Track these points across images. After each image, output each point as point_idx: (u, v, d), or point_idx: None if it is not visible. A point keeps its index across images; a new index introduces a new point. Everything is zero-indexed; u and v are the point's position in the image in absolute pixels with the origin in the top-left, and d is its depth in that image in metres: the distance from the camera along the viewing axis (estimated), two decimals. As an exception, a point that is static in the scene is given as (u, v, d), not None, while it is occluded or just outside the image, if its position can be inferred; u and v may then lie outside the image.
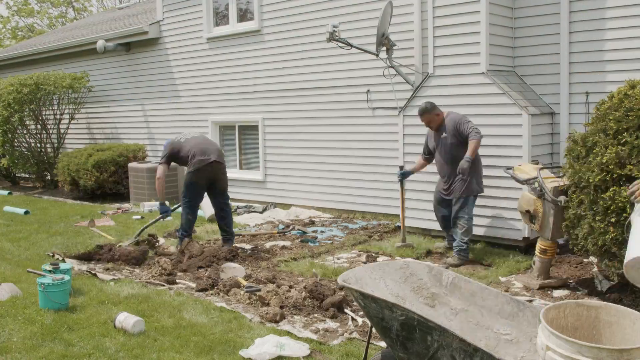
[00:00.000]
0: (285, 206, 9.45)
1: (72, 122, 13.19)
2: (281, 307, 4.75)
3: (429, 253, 6.45)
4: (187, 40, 10.94)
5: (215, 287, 5.33)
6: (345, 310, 4.73)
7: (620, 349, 2.34)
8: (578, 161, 4.84)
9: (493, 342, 3.21)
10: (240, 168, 10.53)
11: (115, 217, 9.13)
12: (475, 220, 6.65)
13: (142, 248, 6.60)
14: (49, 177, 13.24)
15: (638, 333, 2.61)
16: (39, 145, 12.94)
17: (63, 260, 6.23)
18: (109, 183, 11.02)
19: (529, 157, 6.22)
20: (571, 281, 5.40)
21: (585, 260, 5.91)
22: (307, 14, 9.01)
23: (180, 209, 6.89)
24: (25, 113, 12.33)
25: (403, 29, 7.86)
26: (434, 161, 6.45)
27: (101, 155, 10.98)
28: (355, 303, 4.85)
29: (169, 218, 7.57)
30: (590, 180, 4.54)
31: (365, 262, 6.08)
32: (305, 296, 4.88)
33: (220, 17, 10.53)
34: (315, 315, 4.65)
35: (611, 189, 4.36)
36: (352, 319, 4.57)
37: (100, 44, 11.79)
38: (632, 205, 3.87)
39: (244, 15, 10.16)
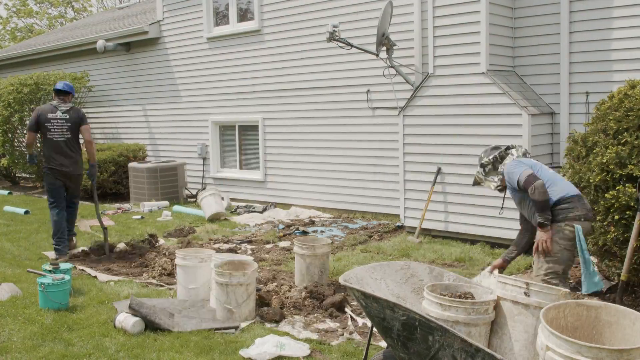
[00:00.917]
0: (286, 206, 9.45)
1: (72, 122, 13.18)
2: (281, 307, 4.76)
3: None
4: (187, 40, 10.94)
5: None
6: (346, 310, 4.74)
7: (620, 349, 2.33)
8: (578, 161, 4.84)
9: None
10: (240, 168, 10.53)
11: (115, 217, 9.12)
12: (475, 220, 6.66)
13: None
14: (49, 177, 13.22)
15: (638, 333, 2.61)
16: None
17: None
18: (109, 183, 11.03)
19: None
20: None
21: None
22: (307, 14, 9.02)
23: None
24: (26, 113, 12.32)
25: (403, 29, 7.87)
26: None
27: (101, 155, 10.97)
28: (355, 303, 4.85)
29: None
30: (591, 180, 4.54)
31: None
32: (305, 296, 4.88)
33: (221, 17, 10.53)
34: (315, 315, 4.65)
35: (616, 188, 4.36)
36: (352, 318, 4.57)
37: (100, 43, 11.79)
38: None
39: (244, 15, 10.16)
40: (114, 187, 11.17)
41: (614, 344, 2.69)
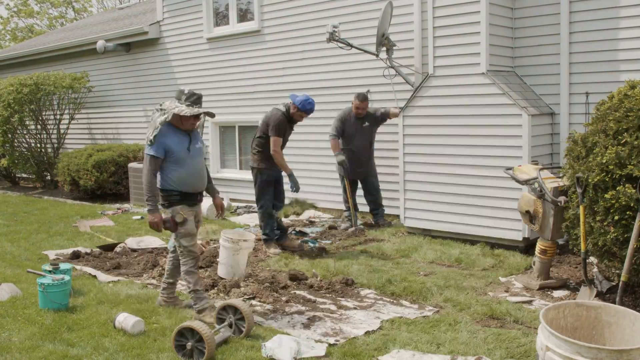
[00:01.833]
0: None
1: (72, 122, 13.20)
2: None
3: None
4: (187, 40, 10.94)
5: (216, 287, 5.34)
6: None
7: (619, 349, 2.34)
8: (578, 161, 4.84)
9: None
10: (240, 168, 10.53)
11: (115, 218, 9.13)
12: (475, 221, 6.66)
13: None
14: (49, 177, 13.24)
15: (637, 333, 2.61)
16: (39, 145, 12.95)
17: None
18: (109, 183, 11.03)
19: (529, 157, 6.22)
20: (571, 281, 5.40)
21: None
22: (308, 14, 9.02)
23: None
24: (25, 113, 12.34)
25: (403, 29, 7.86)
26: None
27: (101, 156, 10.98)
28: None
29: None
30: (590, 181, 4.54)
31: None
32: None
33: (221, 18, 10.53)
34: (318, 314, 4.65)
35: (616, 189, 4.36)
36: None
37: (100, 44, 11.80)
38: None
39: (244, 15, 10.16)
40: (114, 188, 11.17)
41: (613, 344, 2.69)
